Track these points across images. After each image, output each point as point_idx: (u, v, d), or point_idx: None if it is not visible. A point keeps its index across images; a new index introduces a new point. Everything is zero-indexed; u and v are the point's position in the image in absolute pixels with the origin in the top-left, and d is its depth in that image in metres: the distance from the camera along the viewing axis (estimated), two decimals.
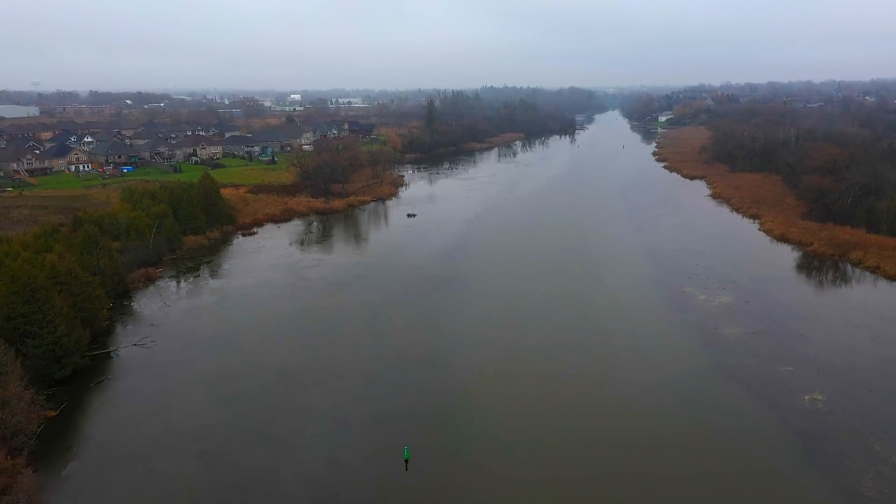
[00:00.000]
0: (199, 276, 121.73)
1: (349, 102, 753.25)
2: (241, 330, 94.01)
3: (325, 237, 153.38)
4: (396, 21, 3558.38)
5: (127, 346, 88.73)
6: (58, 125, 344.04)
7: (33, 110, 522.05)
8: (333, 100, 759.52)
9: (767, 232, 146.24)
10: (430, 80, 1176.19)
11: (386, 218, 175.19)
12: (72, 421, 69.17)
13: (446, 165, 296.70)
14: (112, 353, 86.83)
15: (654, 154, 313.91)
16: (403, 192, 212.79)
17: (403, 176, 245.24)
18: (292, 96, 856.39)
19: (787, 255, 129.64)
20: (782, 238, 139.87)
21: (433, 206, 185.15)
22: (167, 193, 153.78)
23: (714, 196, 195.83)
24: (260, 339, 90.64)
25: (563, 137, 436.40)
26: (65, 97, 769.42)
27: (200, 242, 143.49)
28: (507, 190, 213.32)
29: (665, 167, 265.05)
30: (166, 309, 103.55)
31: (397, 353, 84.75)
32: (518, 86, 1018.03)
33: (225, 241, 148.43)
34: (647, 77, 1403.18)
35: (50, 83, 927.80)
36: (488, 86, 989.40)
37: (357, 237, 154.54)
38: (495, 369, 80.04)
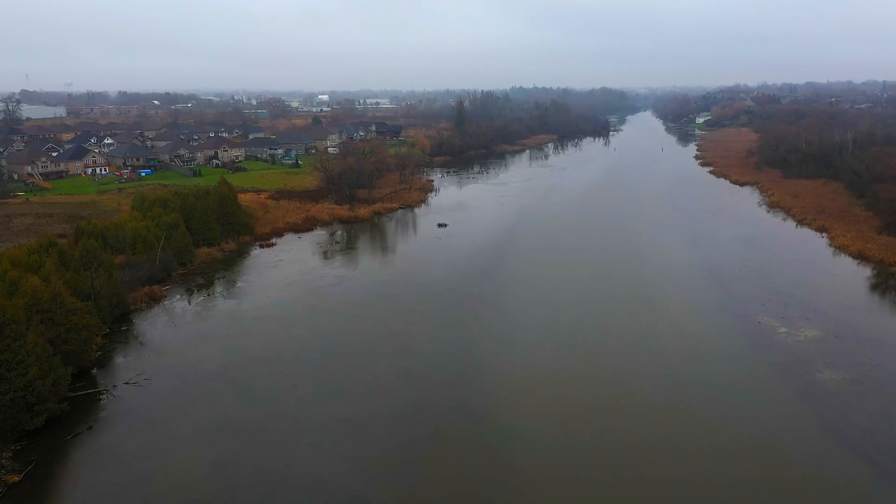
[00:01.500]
0: (208, 294, 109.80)
1: (377, 103, 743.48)
2: (250, 364, 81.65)
3: (348, 249, 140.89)
4: (424, 20, 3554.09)
5: (117, 384, 76.76)
6: (79, 126, 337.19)
7: (60, 111, 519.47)
8: (361, 100, 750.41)
9: (841, 248, 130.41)
10: (458, 81, 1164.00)
11: (415, 227, 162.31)
12: (37, 489, 57.12)
13: (476, 169, 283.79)
14: (101, 392, 74.94)
15: (697, 157, 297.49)
16: (433, 199, 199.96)
17: (433, 180, 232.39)
18: (320, 97, 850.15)
19: (871, 277, 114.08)
20: (860, 256, 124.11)
21: (465, 215, 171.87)
22: (180, 201, 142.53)
23: (771, 205, 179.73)
24: (270, 377, 78.16)
25: (596, 139, 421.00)
26: (94, 98, 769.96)
27: (214, 255, 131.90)
28: (544, 197, 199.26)
29: (711, 172, 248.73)
30: (168, 335, 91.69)
31: (430, 401, 71.63)
32: (548, 86, 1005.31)
33: (241, 253, 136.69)
34: (678, 77, 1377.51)
35: (83, 84, 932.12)
36: (517, 86, 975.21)
37: (383, 250, 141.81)
38: (544, 432, 66.47)
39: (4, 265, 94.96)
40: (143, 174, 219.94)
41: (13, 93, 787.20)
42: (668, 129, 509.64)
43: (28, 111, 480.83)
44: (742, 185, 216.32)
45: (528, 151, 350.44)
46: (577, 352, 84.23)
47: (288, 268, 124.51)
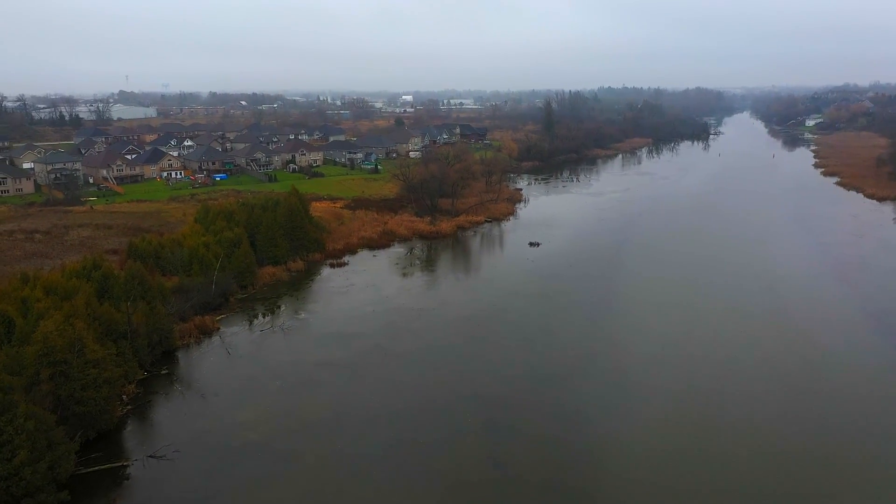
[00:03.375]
0: (266, 328, 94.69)
1: (461, 103, 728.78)
2: (302, 433, 65.49)
3: (428, 272, 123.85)
4: (507, 20, 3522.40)
5: (139, 458, 61.86)
6: (162, 128, 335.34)
7: (151, 111, 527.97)
8: (445, 101, 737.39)
9: None
10: (542, 80, 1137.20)
11: (503, 246, 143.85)
12: None
13: (566, 175, 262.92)
14: (117, 468, 60.23)
15: (816, 165, 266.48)
16: (522, 211, 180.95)
17: (520, 189, 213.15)
18: (404, 97, 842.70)
19: None
20: None
21: (560, 232, 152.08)
22: (246, 213, 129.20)
23: None
24: (325, 455, 61.63)
25: (694, 143, 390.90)
26: (186, 98, 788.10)
27: (278, 276, 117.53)
28: (649, 211, 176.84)
29: (838, 183, 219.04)
30: (213, 381, 76.78)
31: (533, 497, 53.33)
32: (637, 86, 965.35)
33: (309, 273, 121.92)
34: (778, 76, 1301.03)
35: (179, 85, 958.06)
36: (605, 86, 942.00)
37: (468, 274, 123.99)
38: None
39: (37, 293, 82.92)
40: (217, 179, 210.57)
41: (112, 93, 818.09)
42: (773, 133, 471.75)
43: (121, 111, 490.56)
44: (881, 200, 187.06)
45: (620, 156, 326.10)
46: (720, 433, 63.94)
47: (359, 295, 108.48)
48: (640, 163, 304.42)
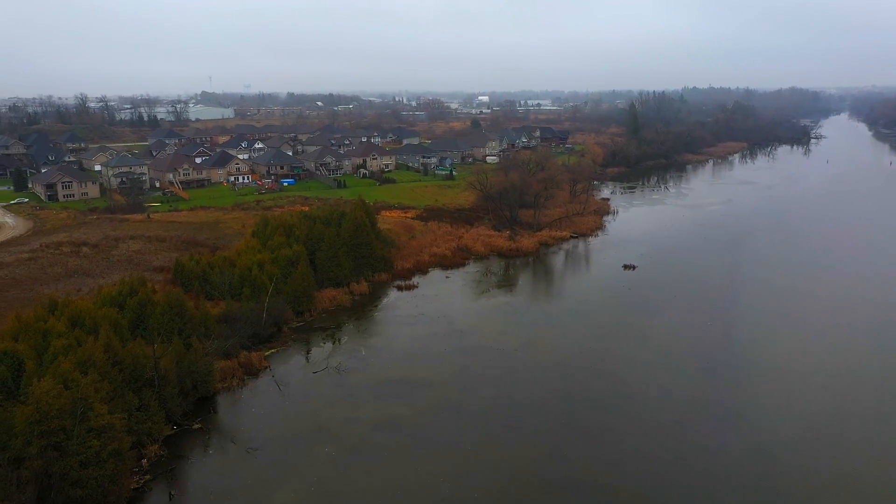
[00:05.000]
0: (320, 370, 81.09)
1: (538, 105, 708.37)
2: None
3: (508, 300, 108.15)
4: (580, 17, 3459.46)
5: None
6: (235, 129, 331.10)
7: (229, 112, 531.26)
8: (522, 102, 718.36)
9: None
10: (622, 80, 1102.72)
11: (592, 268, 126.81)
12: None
13: (654, 182, 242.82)
14: None
15: None
16: (611, 224, 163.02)
17: (608, 199, 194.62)
18: (480, 98, 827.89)
19: None
20: None
21: (657, 252, 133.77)
22: (307, 227, 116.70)
23: None
24: None
25: (794, 148, 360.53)
26: (264, 99, 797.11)
27: (339, 300, 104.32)
28: (760, 228, 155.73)
29: None
30: (250, 440, 63.58)
31: None
32: (724, 86, 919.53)
33: (374, 297, 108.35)
34: (879, 75, 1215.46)
35: (260, 86, 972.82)
36: (690, 86, 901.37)
37: (553, 303, 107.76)
38: None
39: (59, 326, 71.81)
40: (285, 184, 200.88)
41: (196, 94, 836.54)
42: (879, 136, 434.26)
43: (200, 112, 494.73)
44: None
45: (712, 162, 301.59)
46: None
47: (429, 327, 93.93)
48: (736, 170, 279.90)
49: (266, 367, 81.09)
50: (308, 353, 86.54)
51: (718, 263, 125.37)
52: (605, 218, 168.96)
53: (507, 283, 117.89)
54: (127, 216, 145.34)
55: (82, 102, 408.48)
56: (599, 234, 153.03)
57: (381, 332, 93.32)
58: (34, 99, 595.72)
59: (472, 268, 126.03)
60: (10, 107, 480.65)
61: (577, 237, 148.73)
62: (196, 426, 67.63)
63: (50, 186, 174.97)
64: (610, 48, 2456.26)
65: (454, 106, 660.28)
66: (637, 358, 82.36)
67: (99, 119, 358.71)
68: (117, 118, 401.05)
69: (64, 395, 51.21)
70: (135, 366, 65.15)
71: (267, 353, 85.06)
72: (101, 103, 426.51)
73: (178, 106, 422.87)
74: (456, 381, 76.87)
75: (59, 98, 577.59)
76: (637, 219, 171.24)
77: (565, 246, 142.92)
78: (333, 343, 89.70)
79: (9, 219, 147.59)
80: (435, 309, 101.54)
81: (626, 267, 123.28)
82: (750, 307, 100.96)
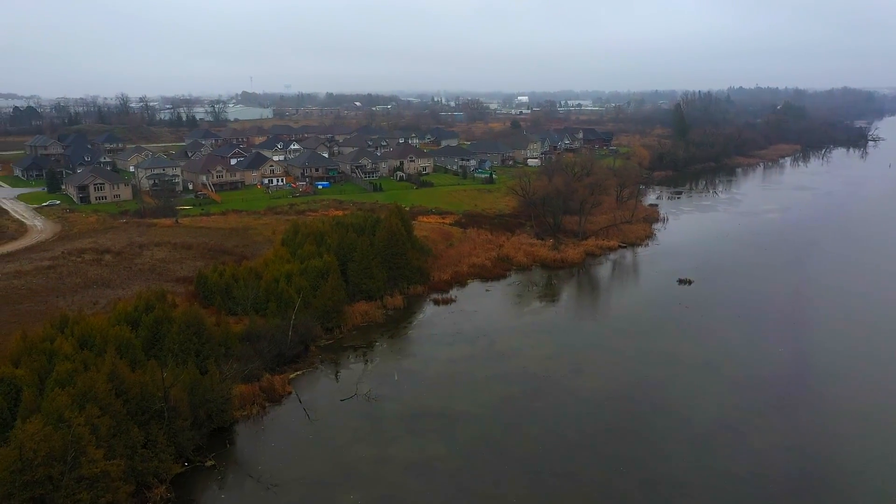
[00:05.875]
0: (347, 398, 73.80)
1: (579, 105, 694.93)
2: None
3: (553, 317, 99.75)
4: (620, 15, 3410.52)
5: None
6: (272, 130, 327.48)
7: (268, 112, 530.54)
8: (562, 102, 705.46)
9: None
10: (664, 80, 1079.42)
11: (644, 282, 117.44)
12: None
13: (702, 186, 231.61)
14: None
15: None
16: (661, 233, 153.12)
17: (656, 206, 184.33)
18: (519, 98, 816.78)
19: None
20: None
21: (713, 265, 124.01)
22: (339, 236, 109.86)
23: None
24: None
25: (850, 151, 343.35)
26: (303, 99, 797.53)
27: (372, 315, 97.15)
28: (825, 239, 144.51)
29: None
30: (267, 477, 56.60)
31: None
32: (771, 86, 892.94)
33: (409, 312, 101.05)
34: None
35: (300, 86, 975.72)
36: (736, 86, 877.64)
37: (603, 323, 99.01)
38: None
39: (67, 347, 65.99)
40: (319, 187, 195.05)
41: (236, 94, 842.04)
42: None
43: (238, 112, 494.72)
44: None
45: (762, 166, 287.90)
46: None
47: (468, 348, 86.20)
48: (790, 174, 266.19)
49: (290, 393, 74.23)
50: (336, 376, 79.54)
51: (784, 278, 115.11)
52: (654, 226, 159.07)
53: (551, 297, 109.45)
54: (155, 221, 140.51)
55: (123, 102, 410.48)
56: (649, 243, 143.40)
57: (416, 353, 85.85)
58: (81, 99, 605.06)
59: (514, 279, 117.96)
60: (53, 106, 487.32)
61: (625, 247, 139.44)
62: (209, 463, 60.89)
63: (82, 188, 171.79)
64: (651, 46, 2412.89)
65: (493, 106, 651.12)
66: (701, 390, 73.43)
67: (138, 119, 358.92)
68: (157, 118, 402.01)
69: (53, 437, 44.84)
70: (142, 395, 58.76)
71: (292, 376, 78.35)
72: (141, 103, 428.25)
73: (217, 106, 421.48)
74: (499, 414, 68.96)
75: (105, 98, 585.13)
76: (689, 227, 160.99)
77: (613, 256, 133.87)
78: (364, 364, 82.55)
79: (38, 222, 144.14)
80: (474, 327, 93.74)
81: (681, 282, 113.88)
82: (824, 330, 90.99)
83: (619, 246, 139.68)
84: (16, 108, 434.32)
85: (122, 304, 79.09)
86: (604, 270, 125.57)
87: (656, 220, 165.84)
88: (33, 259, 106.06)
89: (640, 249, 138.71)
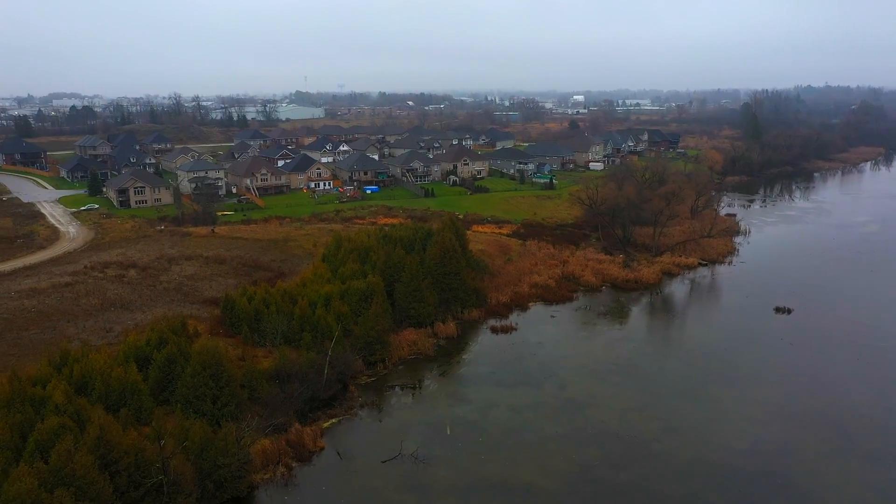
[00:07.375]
0: (390, 458, 61.27)
1: (637, 104, 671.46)
2: None
3: (632, 355, 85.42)
4: (683, 10, 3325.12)
5: None
6: (321, 130, 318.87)
7: (320, 112, 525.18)
8: (619, 101, 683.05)
9: None
10: (726, 79, 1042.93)
11: (733, 309, 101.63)
12: None
13: (778, 192, 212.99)
14: None
15: None
16: (744, 247, 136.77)
17: (735, 216, 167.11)
18: (575, 97, 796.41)
19: None
20: None
21: (812, 287, 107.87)
22: (385, 253, 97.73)
23: None
24: None
25: None
26: (356, 98, 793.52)
27: (421, 346, 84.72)
28: None
29: None
30: None
31: None
32: (842, 84, 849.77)
33: (463, 342, 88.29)
34: None
35: (354, 86, 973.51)
36: (804, 85, 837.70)
37: (692, 363, 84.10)
38: None
39: (58, 395, 55.35)
40: (368, 191, 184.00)
41: (290, 93, 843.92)
42: None
43: (290, 112, 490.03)
44: None
45: (841, 171, 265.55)
46: None
47: (534, 392, 72.99)
48: (877, 179, 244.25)
49: (322, 449, 62.19)
50: (378, 425, 67.25)
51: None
52: (735, 239, 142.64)
53: (626, 327, 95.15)
54: (191, 230, 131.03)
55: (176, 102, 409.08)
56: (733, 260, 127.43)
57: (472, 398, 72.89)
58: (139, 99, 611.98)
59: (582, 303, 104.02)
60: (106, 106, 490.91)
61: (706, 264, 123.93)
62: None
63: (122, 192, 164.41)
64: (711, 42, 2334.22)
65: (549, 106, 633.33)
66: (832, 463, 58.51)
67: (189, 119, 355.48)
68: (210, 118, 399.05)
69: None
70: (137, 466, 47.48)
71: (325, 425, 66.35)
72: (193, 103, 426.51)
73: (268, 105, 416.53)
74: (574, 490, 55.56)
75: (163, 97, 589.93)
76: (775, 241, 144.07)
77: (692, 275, 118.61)
78: (407, 411, 70.08)
79: (72, 228, 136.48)
80: (539, 364, 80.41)
81: (778, 310, 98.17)
82: None
83: (700, 263, 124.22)
84: (73, 107, 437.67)
85: (133, 337, 68.42)
86: (684, 294, 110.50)
87: (737, 232, 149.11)
88: (54, 274, 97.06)
89: (722, 268, 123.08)
